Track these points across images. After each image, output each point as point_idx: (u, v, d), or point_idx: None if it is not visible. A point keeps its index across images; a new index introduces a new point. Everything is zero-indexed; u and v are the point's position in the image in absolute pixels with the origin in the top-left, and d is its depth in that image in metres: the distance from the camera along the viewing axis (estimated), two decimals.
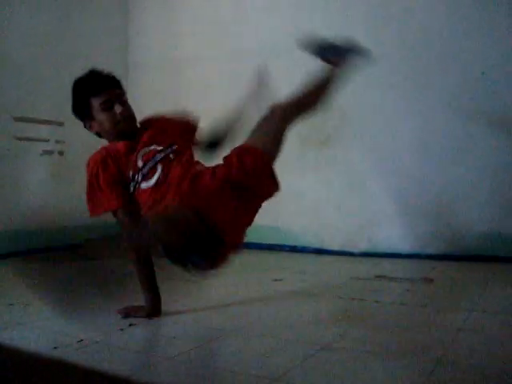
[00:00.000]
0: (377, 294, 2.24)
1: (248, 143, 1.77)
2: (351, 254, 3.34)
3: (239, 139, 1.92)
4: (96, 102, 1.89)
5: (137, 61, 4.30)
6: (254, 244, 3.50)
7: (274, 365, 1.41)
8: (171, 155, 1.86)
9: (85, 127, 1.98)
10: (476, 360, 1.42)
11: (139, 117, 2.05)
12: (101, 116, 1.90)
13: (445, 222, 3.14)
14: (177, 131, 1.99)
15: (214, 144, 2.19)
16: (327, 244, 3.45)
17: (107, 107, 1.89)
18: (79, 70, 1.96)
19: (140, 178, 1.81)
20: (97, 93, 1.89)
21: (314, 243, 3.50)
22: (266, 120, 1.81)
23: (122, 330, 1.74)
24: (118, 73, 1.99)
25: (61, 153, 3.77)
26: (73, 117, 1.97)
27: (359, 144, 3.39)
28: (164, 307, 2.04)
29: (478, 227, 3.03)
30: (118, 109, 1.89)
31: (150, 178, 1.80)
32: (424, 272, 2.67)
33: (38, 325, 1.82)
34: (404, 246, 3.22)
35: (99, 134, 1.98)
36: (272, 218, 3.25)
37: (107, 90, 1.90)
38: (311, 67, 3.67)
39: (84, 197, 1.87)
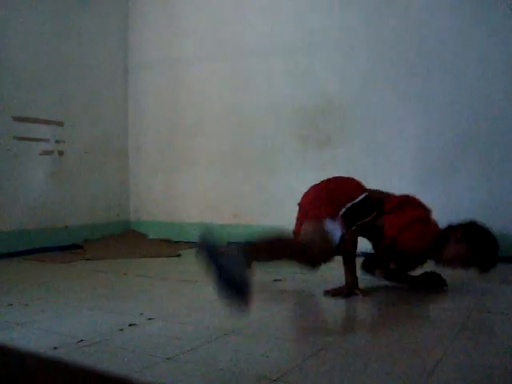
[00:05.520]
0: (377, 294, 2.24)
1: None
2: None
3: None
4: None
5: (137, 61, 4.29)
6: None
7: (274, 365, 1.41)
8: None
9: None
10: (476, 360, 1.42)
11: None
12: None
13: (445, 223, 3.13)
14: None
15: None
16: None
17: None
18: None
19: None
20: None
21: None
22: None
23: (121, 330, 1.74)
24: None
25: (60, 152, 3.76)
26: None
27: (359, 144, 3.39)
28: (165, 307, 2.04)
29: None
30: None
31: None
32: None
33: (37, 325, 1.81)
34: None
35: None
36: (272, 218, 3.24)
37: None
38: (311, 67, 3.66)
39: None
